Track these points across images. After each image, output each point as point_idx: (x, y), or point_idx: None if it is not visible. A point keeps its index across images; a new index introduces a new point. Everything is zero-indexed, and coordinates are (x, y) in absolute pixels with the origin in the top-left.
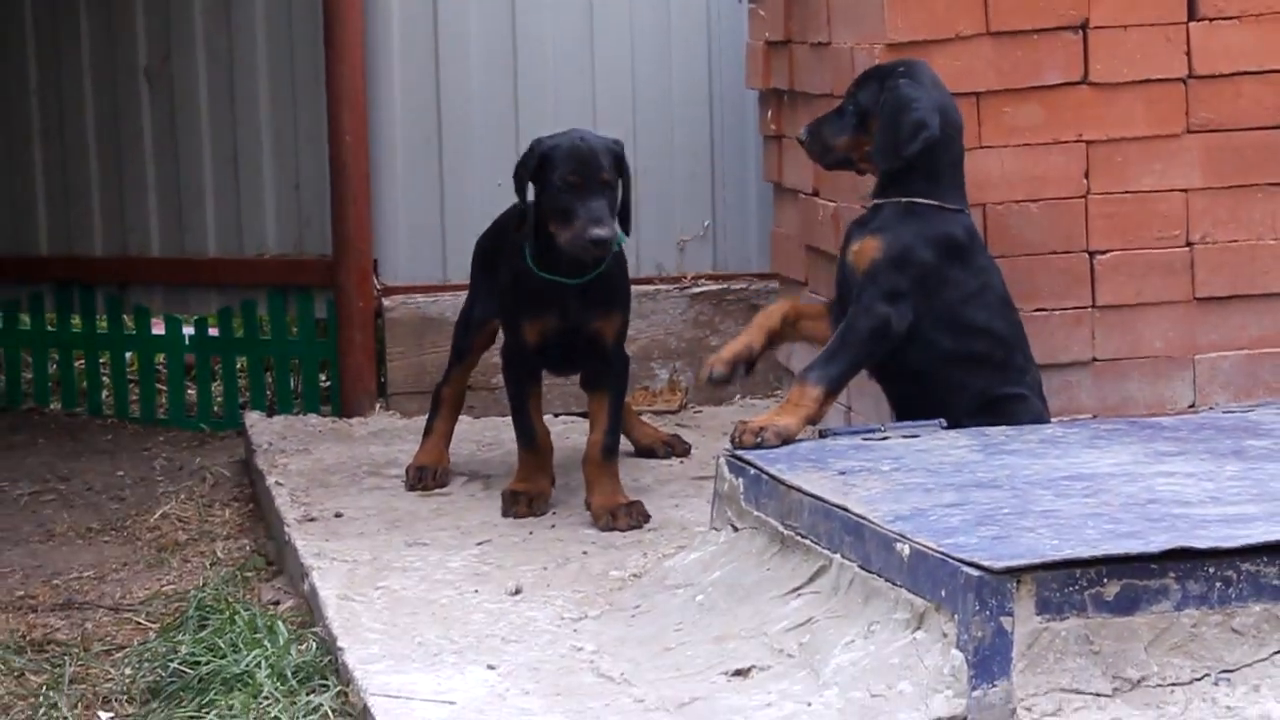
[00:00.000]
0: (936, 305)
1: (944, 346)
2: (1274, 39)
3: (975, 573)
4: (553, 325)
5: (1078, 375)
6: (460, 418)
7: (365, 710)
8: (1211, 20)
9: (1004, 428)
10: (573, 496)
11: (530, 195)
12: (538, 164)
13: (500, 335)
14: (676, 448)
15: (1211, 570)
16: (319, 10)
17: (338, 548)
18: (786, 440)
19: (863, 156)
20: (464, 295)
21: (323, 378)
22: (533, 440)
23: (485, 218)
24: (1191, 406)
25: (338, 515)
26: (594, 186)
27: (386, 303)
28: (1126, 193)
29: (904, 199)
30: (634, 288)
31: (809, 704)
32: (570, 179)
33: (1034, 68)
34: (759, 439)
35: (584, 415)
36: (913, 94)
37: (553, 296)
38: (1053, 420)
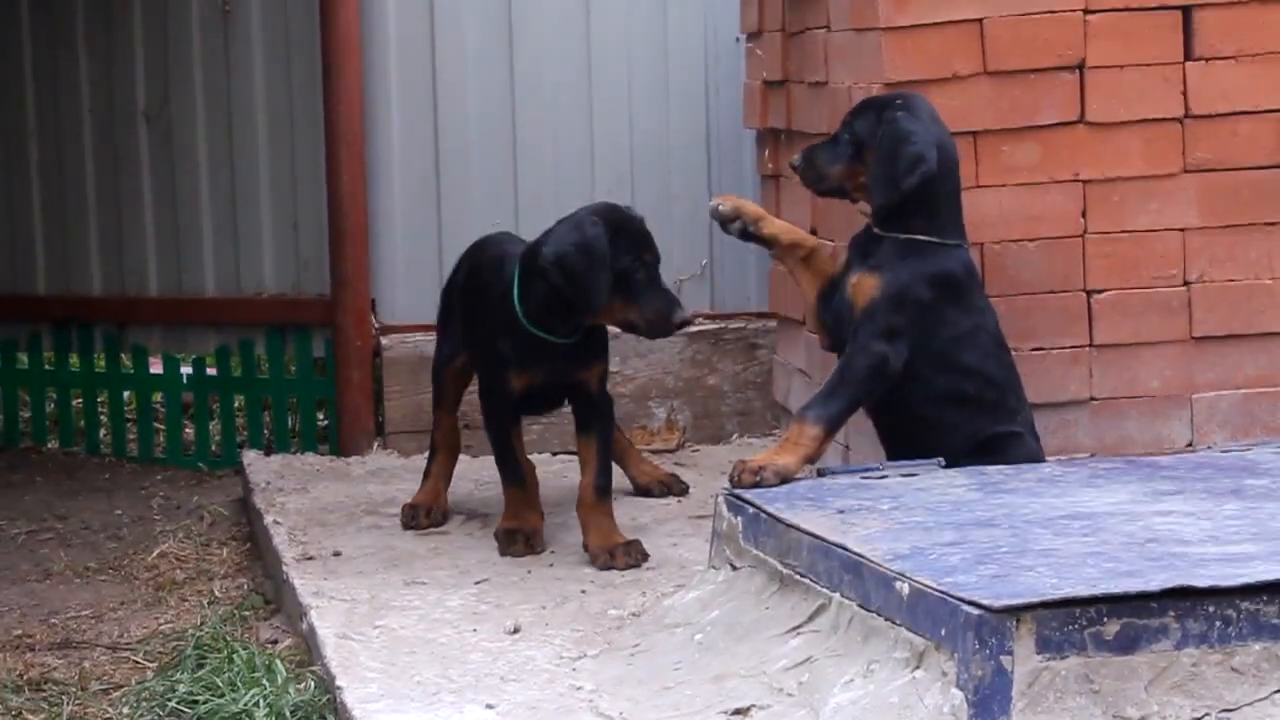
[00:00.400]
0: (932, 344)
1: (937, 386)
2: (1270, 79)
3: (975, 611)
4: (539, 377)
5: (1075, 414)
6: (460, 457)
7: None
8: (1208, 60)
9: (1002, 466)
10: (571, 535)
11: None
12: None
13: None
14: (674, 487)
15: (1211, 609)
16: (317, 52)
17: (336, 586)
18: (785, 479)
19: (856, 186)
20: None
21: (320, 416)
22: (519, 478)
23: None
24: (1189, 445)
25: (336, 554)
26: (658, 267)
27: (384, 341)
28: (1123, 232)
29: (903, 235)
30: None
31: None
32: (648, 259)
33: (1031, 107)
34: (758, 478)
35: None
36: (911, 127)
37: (541, 351)
38: (1050, 459)
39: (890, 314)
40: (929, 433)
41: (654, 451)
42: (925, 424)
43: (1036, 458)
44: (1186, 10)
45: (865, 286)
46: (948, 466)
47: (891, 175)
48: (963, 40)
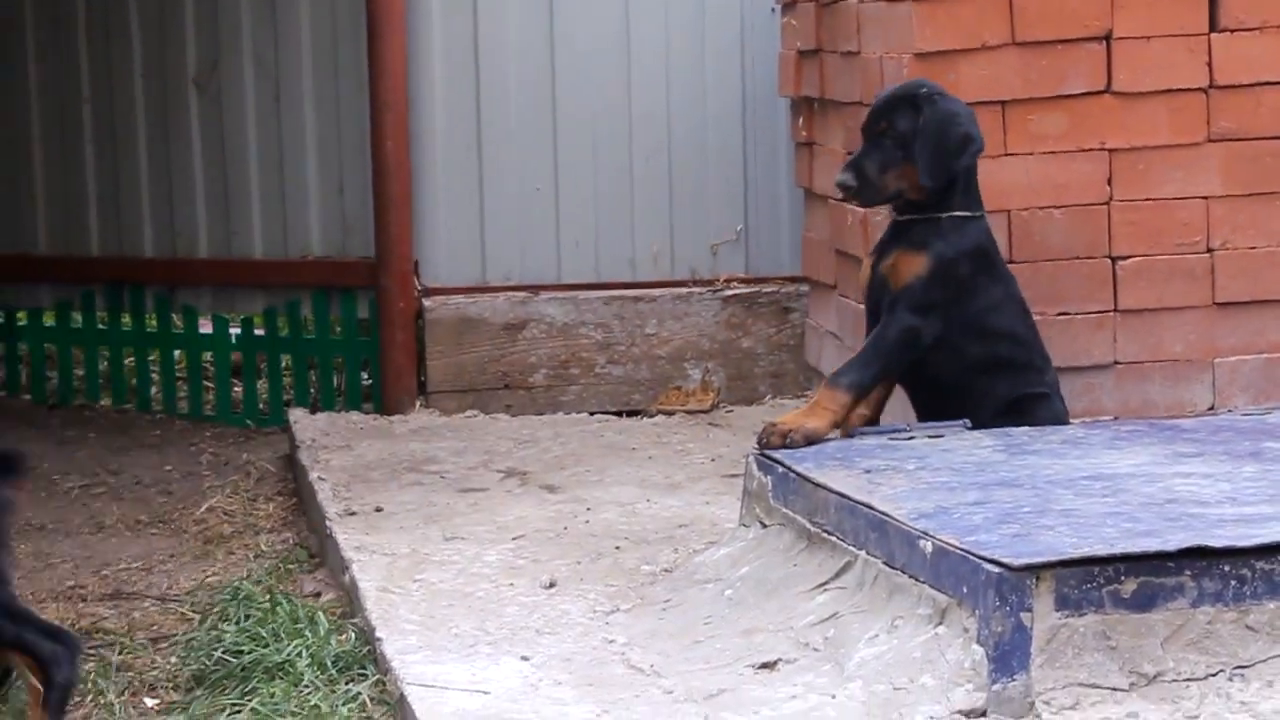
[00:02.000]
0: (966, 313)
1: (971, 352)
2: None
3: (996, 569)
4: None
5: (1100, 378)
6: (497, 416)
7: (402, 699)
8: (1232, 31)
9: (1026, 428)
10: (606, 492)
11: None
12: None
13: None
14: None
15: (1227, 569)
16: (362, 20)
17: (377, 541)
18: (813, 441)
19: (913, 185)
20: (502, 296)
21: (364, 376)
22: None
23: (523, 222)
24: (1211, 409)
25: (378, 510)
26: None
27: (427, 303)
28: (1148, 200)
29: (943, 214)
30: (668, 290)
31: (833, 696)
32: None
33: (1058, 77)
34: (787, 440)
35: (616, 414)
36: (953, 108)
37: None
38: (1074, 421)
39: (931, 290)
40: (962, 399)
41: (689, 412)
42: (958, 391)
43: (1062, 418)
44: None
45: (908, 264)
46: (975, 429)
47: (943, 158)
48: (992, 11)
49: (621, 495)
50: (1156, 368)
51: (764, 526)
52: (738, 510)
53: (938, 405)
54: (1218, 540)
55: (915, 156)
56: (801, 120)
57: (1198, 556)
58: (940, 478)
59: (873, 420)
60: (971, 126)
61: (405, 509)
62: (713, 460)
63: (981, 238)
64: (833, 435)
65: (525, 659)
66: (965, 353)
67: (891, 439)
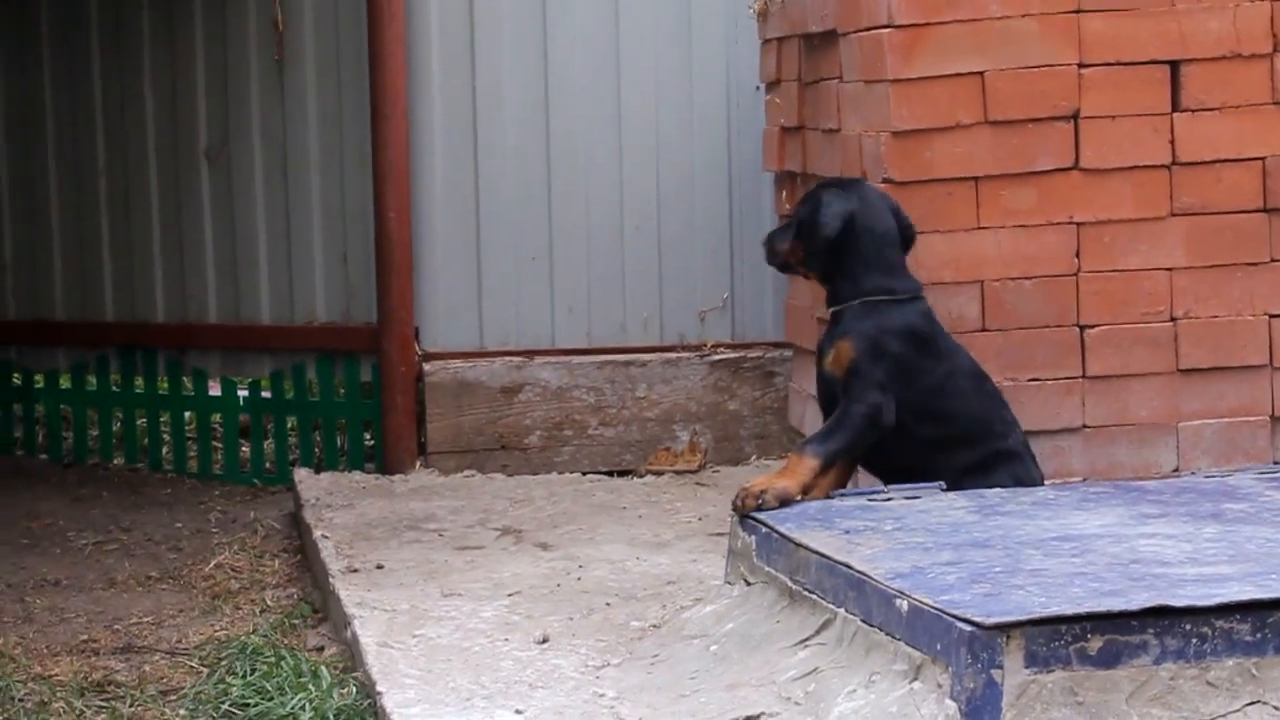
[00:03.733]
0: (911, 396)
1: (923, 434)
2: (1252, 129)
3: (968, 628)
4: None
5: (1069, 441)
6: (493, 476)
7: None
8: (1194, 111)
9: (999, 490)
10: (597, 550)
11: None
12: None
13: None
14: None
15: (1188, 627)
16: (366, 95)
17: (378, 597)
18: (785, 501)
19: (800, 261)
20: (499, 361)
21: (367, 437)
22: None
23: (519, 289)
24: (1175, 471)
25: (379, 567)
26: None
27: (427, 367)
28: (1115, 271)
29: (858, 300)
30: (657, 355)
31: None
32: None
33: (1029, 154)
34: (760, 501)
35: (607, 474)
36: (826, 199)
37: None
38: (1045, 479)
39: (871, 367)
40: (919, 477)
41: (678, 472)
42: (914, 471)
43: (1026, 479)
44: (1174, 65)
45: (843, 352)
46: (953, 489)
47: (810, 243)
48: (965, 91)
49: (612, 553)
50: (1123, 431)
51: (748, 584)
52: (723, 568)
53: (902, 480)
54: (1179, 600)
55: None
56: (785, 194)
57: (1160, 616)
58: (916, 538)
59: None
60: (831, 219)
61: (405, 566)
62: (700, 519)
63: (910, 318)
64: (799, 499)
65: (519, 712)
66: (918, 434)
67: (870, 500)
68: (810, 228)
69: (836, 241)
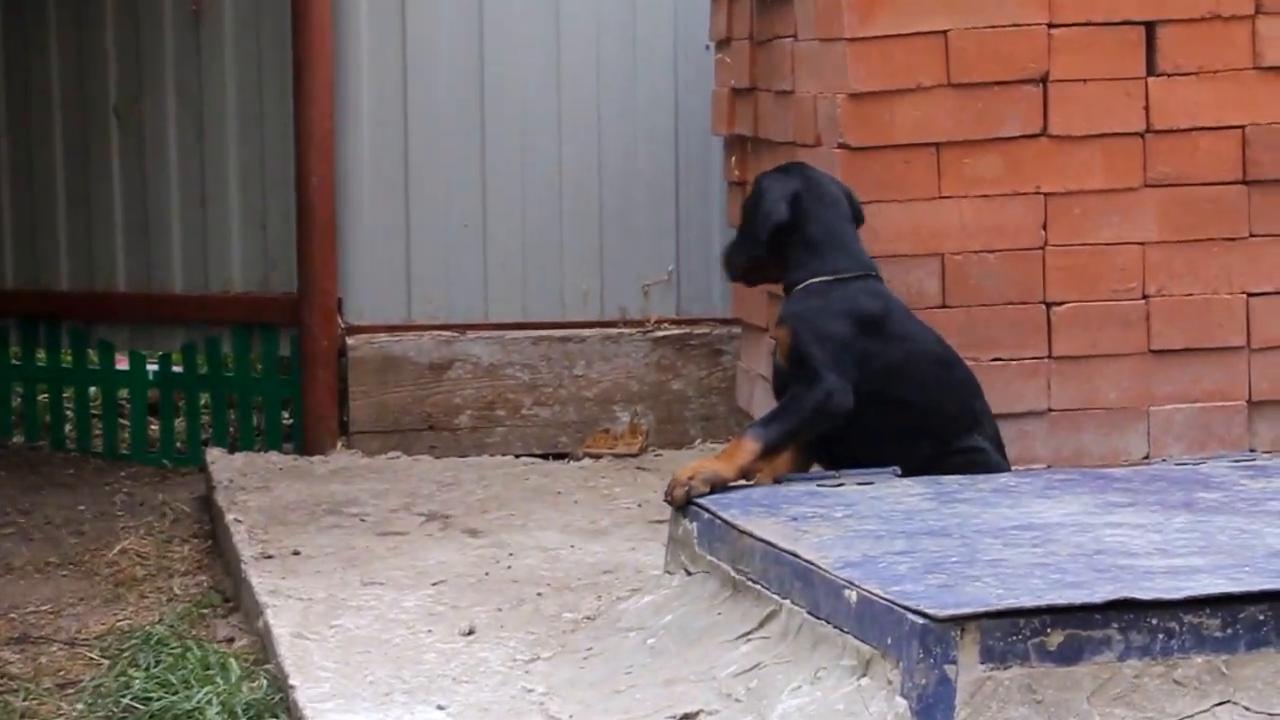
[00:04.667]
0: (863, 382)
1: (875, 424)
2: (1230, 94)
3: (920, 621)
4: None
5: (1033, 425)
6: (420, 458)
7: None
8: (1170, 75)
9: (958, 476)
10: (529, 537)
11: None
12: None
13: None
14: None
15: (1155, 622)
16: (288, 51)
17: (293, 585)
18: (716, 486)
19: (759, 264)
20: (428, 335)
21: (285, 415)
22: None
23: (450, 260)
24: (1145, 458)
25: (295, 553)
26: None
27: (350, 341)
28: (1084, 245)
29: (802, 283)
30: (597, 331)
31: None
32: None
33: (994, 119)
34: (687, 488)
35: (542, 456)
36: (766, 184)
37: None
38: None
39: (814, 349)
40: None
41: (617, 455)
42: (866, 464)
43: (996, 471)
44: (1150, 25)
45: (780, 337)
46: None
47: (752, 232)
48: (927, 52)
49: (545, 540)
50: (1090, 415)
51: (689, 574)
52: (663, 557)
53: None
54: (1146, 593)
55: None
56: (734, 159)
57: (1125, 609)
58: (868, 526)
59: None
60: (776, 203)
61: (323, 552)
62: (639, 505)
63: (854, 297)
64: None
65: (441, 708)
66: (870, 424)
67: (820, 485)
68: (756, 218)
69: (788, 225)
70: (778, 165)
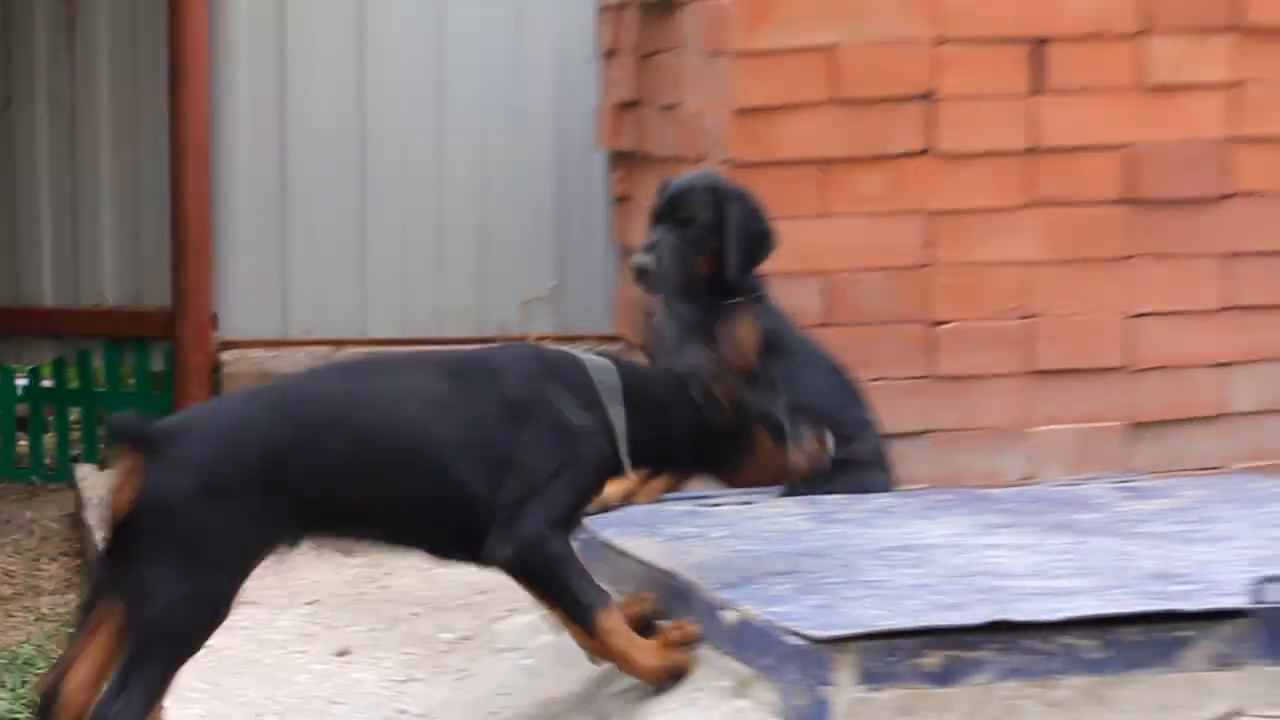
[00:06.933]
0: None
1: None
2: (1117, 114)
3: (797, 642)
4: None
5: (914, 445)
6: None
7: None
8: (1056, 94)
9: (838, 496)
10: (405, 557)
11: None
12: None
13: None
14: None
15: (1030, 643)
16: (164, 61)
17: None
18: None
19: (706, 276)
20: (304, 350)
21: None
22: None
23: (327, 274)
24: (1025, 479)
25: None
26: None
27: (225, 357)
28: (968, 264)
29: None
30: (477, 347)
31: None
32: None
33: (879, 136)
34: None
35: None
36: (758, 205)
37: None
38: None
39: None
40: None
41: None
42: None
43: (873, 485)
44: (1036, 43)
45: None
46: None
47: (749, 254)
48: (814, 67)
49: (420, 560)
50: (971, 436)
51: None
52: None
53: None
54: (1022, 614)
55: (725, 249)
56: (618, 175)
57: (1001, 631)
58: (747, 546)
59: None
60: (773, 226)
61: None
62: None
63: (772, 313)
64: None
65: None
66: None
67: (700, 505)
68: (745, 235)
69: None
70: (709, 174)
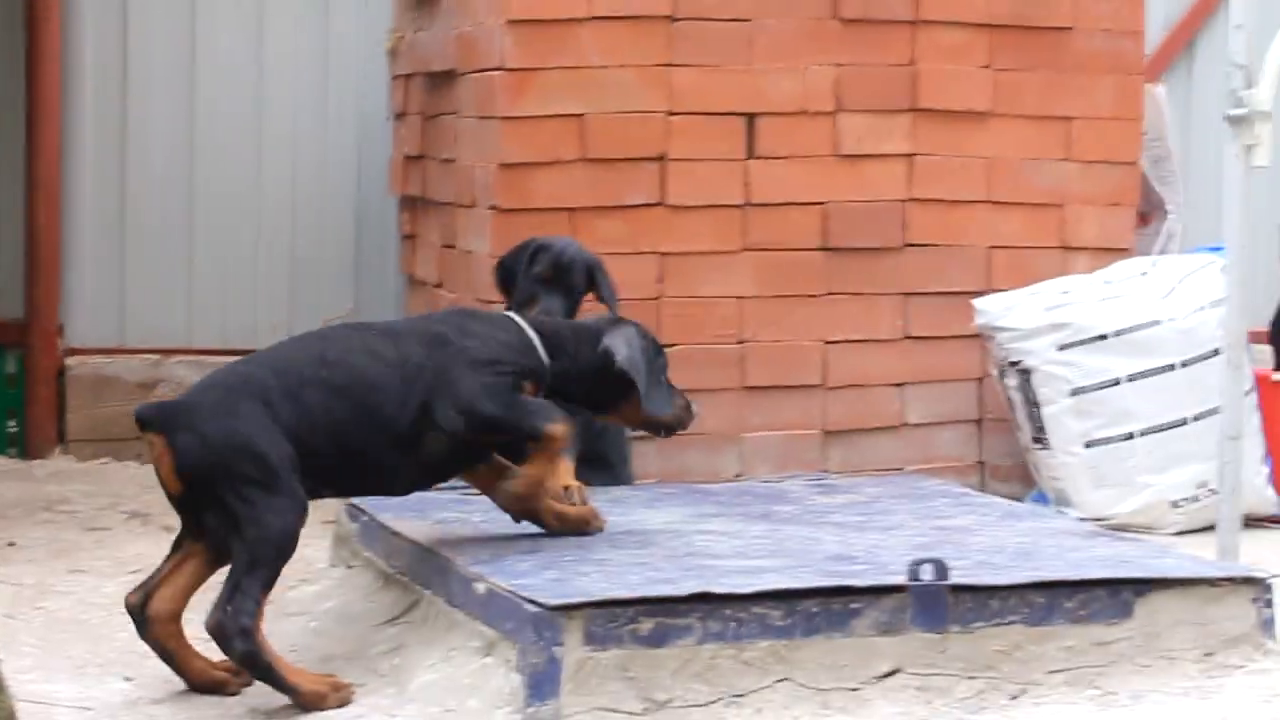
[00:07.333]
0: None
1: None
2: (815, 176)
3: (534, 609)
4: None
5: (646, 446)
6: (128, 464)
7: (11, 715)
8: (766, 159)
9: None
10: None
11: None
12: None
13: None
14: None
15: (728, 612)
16: (20, 102)
17: (6, 573)
18: None
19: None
20: (137, 358)
21: (11, 424)
22: None
23: (159, 291)
24: (738, 476)
25: (10, 544)
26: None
27: (69, 362)
28: (692, 297)
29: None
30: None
31: (393, 716)
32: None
33: (621, 190)
34: None
35: None
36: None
37: None
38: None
39: None
40: None
41: None
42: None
43: (613, 481)
44: (750, 117)
45: None
46: None
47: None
48: (567, 131)
49: None
50: (694, 440)
51: (350, 568)
52: (329, 552)
53: None
54: (722, 588)
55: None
56: (407, 216)
57: (704, 601)
58: (499, 529)
59: None
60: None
61: (36, 544)
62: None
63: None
64: None
65: (129, 679)
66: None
67: (464, 494)
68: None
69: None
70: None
